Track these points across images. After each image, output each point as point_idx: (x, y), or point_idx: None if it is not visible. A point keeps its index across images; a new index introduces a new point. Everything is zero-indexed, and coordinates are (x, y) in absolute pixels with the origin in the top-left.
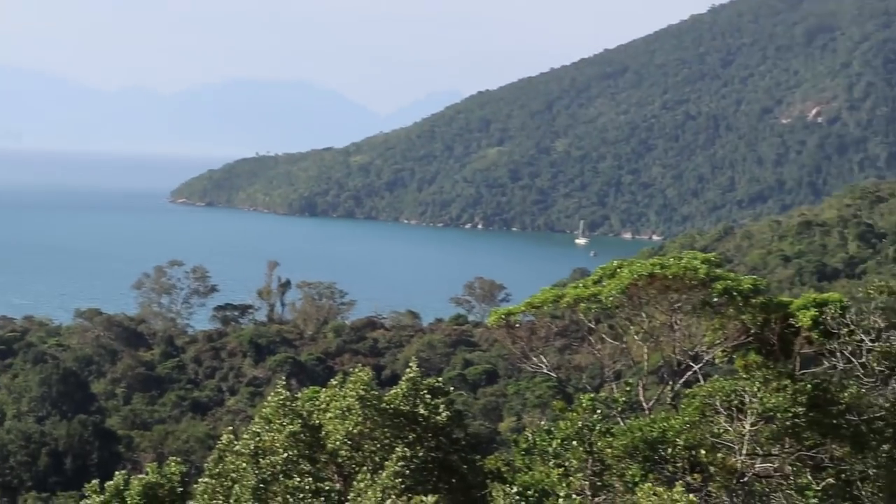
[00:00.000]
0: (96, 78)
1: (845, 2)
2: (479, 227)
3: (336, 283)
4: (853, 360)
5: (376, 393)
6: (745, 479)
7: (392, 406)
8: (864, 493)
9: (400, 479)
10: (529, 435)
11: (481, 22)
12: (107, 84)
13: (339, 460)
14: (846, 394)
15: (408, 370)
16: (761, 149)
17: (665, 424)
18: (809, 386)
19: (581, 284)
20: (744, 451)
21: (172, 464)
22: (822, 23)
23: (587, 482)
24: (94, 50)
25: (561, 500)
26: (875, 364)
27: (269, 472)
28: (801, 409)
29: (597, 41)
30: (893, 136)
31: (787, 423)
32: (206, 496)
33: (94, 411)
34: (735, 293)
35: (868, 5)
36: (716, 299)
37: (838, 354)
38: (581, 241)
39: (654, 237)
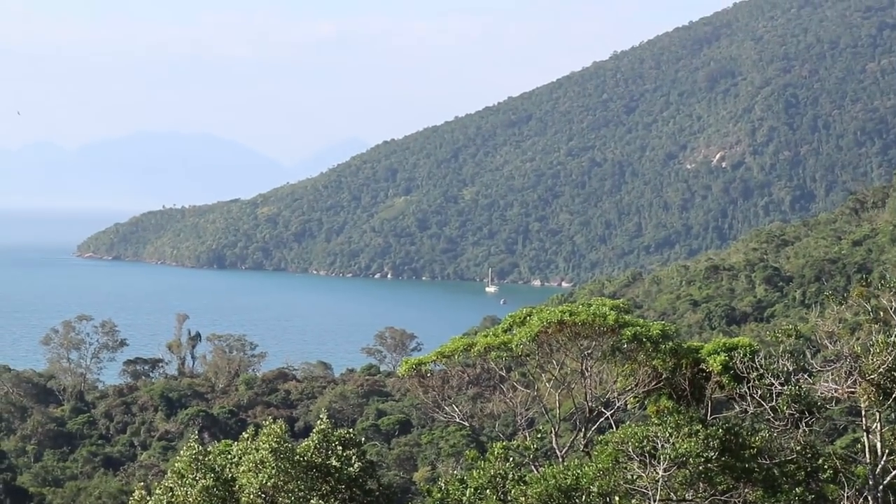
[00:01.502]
0: None
1: (746, 47)
2: (389, 276)
3: (246, 335)
4: (763, 403)
5: (289, 445)
6: None
7: (305, 458)
8: None
9: None
10: (443, 484)
11: (379, 70)
12: (10, 141)
13: None
14: (757, 438)
15: (319, 422)
16: (667, 194)
17: (578, 471)
18: (721, 430)
19: (491, 333)
20: (657, 497)
21: None
22: (723, 68)
23: None
24: None
25: None
26: (785, 407)
27: None
28: (713, 453)
29: (500, 89)
30: (797, 179)
31: (700, 467)
32: None
33: (4, 469)
34: (645, 339)
35: (768, 50)
36: (626, 345)
37: (749, 398)
38: (491, 289)
39: (564, 284)
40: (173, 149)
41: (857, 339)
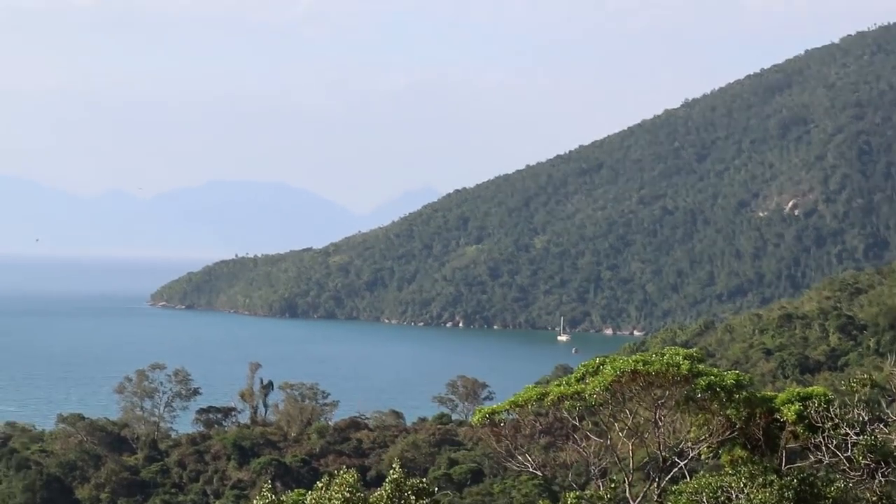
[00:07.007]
0: (73, 183)
1: (818, 94)
2: (460, 325)
3: (318, 383)
4: (839, 453)
5: (362, 495)
6: None
7: None
8: None
9: None
10: None
11: (452, 118)
12: (84, 189)
13: None
14: (833, 488)
15: (391, 471)
16: (739, 242)
17: None
18: (796, 481)
19: (564, 382)
20: None
21: None
22: (795, 115)
23: None
24: (71, 156)
25: None
26: (860, 458)
27: None
28: None
29: (572, 137)
30: (870, 227)
31: None
32: None
33: None
34: (718, 388)
35: (841, 97)
36: (699, 395)
37: (823, 448)
38: (563, 337)
39: (636, 332)
40: (247, 198)
41: None
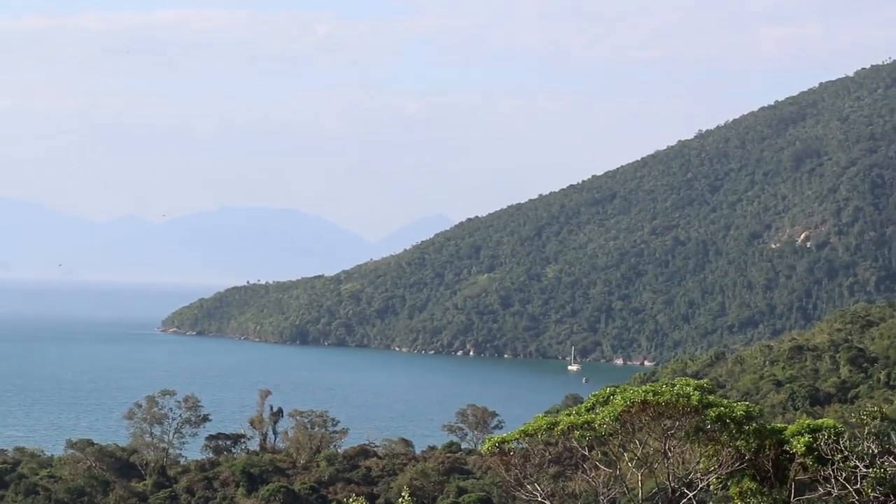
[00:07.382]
0: (88, 208)
1: (832, 126)
2: (471, 354)
3: (328, 411)
4: (848, 486)
5: None
6: None
7: None
8: None
9: None
10: None
11: (465, 146)
12: (99, 214)
13: None
14: None
15: (400, 499)
16: (751, 274)
17: None
18: None
19: (574, 412)
20: None
21: None
22: (808, 147)
23: None
24: (84, 181)
25: None
26: (870, 490)
27: None
28: None
29: (584, 167)
30: (882, 260)
31: None
32: None
33: None
34: (728, 419)
35: (854, 130)
36: (709, 426)
37: (833, 481)
38: (573, 367)
39: (646, 363)
40: (259, 224)
41: None
